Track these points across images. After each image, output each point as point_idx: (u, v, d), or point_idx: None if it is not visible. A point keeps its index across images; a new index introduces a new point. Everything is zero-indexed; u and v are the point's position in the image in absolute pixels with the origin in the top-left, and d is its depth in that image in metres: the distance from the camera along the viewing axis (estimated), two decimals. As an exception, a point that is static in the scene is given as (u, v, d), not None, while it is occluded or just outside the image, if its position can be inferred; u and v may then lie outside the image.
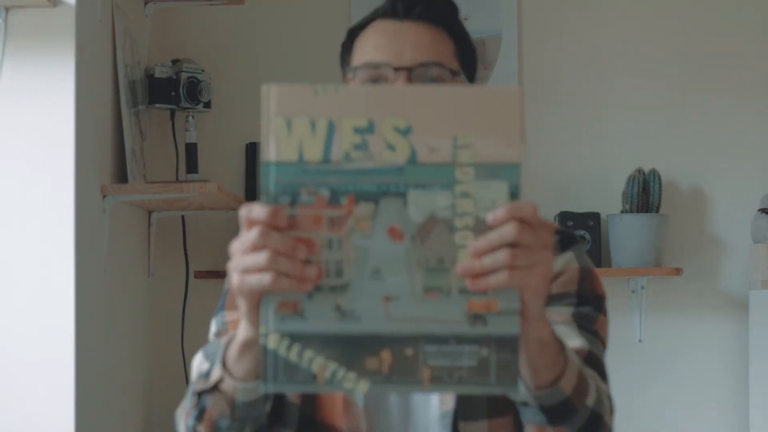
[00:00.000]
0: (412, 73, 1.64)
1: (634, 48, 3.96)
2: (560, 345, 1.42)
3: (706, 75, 3.94)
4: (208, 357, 1.65)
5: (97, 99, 3.11)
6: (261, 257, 1.22)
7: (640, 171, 3.79)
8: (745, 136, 3.93)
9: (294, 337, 1.22)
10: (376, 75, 1.65)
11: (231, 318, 1.74)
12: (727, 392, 3.88)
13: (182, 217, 3.83)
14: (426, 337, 1.23)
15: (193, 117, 3.74)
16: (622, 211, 3.81)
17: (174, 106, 3.68)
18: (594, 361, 1.60)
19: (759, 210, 3.80)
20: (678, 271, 3.80)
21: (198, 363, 1.69)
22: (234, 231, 3.87)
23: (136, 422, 3.58)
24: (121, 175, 3.29)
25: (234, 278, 1.26)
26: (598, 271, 3.86)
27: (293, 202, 1.22)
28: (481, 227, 1.23)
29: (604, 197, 3.89)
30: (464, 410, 1.62)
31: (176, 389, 3.77)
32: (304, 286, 1.22)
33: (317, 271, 1.22)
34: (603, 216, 3.87)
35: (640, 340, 3.87)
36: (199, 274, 3.81)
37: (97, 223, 3.09)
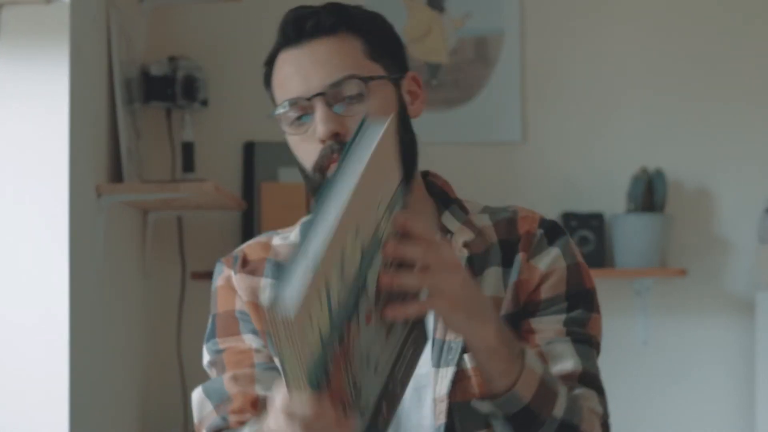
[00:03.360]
0: (326, 96, 1.63)
1: (638, 46, 3.94)
2: (517, 351, 1.47)
3: (712, 74, 3.93)
4: (210, 396, 1.66)
5: (92, 97, 3.09)
6: None
7: (644, 170, 3.77)
8: (752, 136, 3.91)
9: None
10: (298, 110, 1.65)
11: (224, 345, 1.73)
12: (733, 395, 3.86)
13: (178, 217, 3.81)
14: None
15: (189, 115, 3.73)
16: (627, 211, 3.79)
17: (170, 104, 3.67)
18: (589, 380, 1.63)
19: (766, 210, 3.78)
20: (683, 272, 3.78)
21: (199, 401, 1.69)
22: (231, 231, 3.84)
23: (131, 424, 3.56)
24: (116, 175, 3.27)
25: None
26: (603, 272, 3.87)
27: (327, 375, 1.29)
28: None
29: (608, 197, 3.87)
30: (462, 423, 1.62)
31: (172, 391, 3.74)
32: None
33: (353, 420, 1.33)
34: (607, 216, 3.86)
35: (644, 342, 3.85)
36: (196, 275, 3.79)
37: (92, 223, 3.07)
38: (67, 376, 2.81)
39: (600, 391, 1.65)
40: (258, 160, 3.82)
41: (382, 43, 1.70)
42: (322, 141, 1.63)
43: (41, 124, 2.83)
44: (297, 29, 1.65)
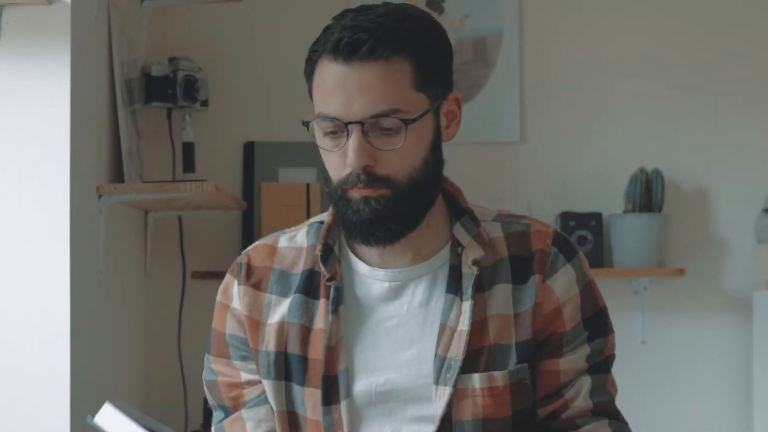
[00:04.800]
0: (364, 127, 1.63)
1: (636, 47, 3.94)
2: None
3: (709, 74, 3.92)
4: None
5: (93, 98, 3.09)
6: None
7: (642, 170, 3.77)
8: (749, 136, 3.91)
9: None
10: (333, 127, 1.65)
11: (217, 367, 1.79)
12: (730, 394, 3.86)
13: (179, 217, 3.81)
14: None
15: (190, 116, 3.73)
16: (625, 211, 3.80)
17: (171, 105, 3.67)
18: (601, 409, 1.72)
19: (763, 210, 3.78)
20: (681, 272, 3.78)
21: None
22: (231, 231, 3.85)
23: (132, 424, 3.55)
24: (117, 175, 3.28)
25: None
26: (601, 272, 3.88)
27: None
28: None
29: (607, 197, 3.87)
30: None
31: (173, 390, 3.75)
32: None
33: None
34: (605, 216, 3.86)
35: (642, 342, 3.85)
36: (196, 275, 3.79)
37: (93, 223, 3.07)
38: (68, 375, 2.81)
39: (612, 414, 1.74)
40: (258, 160, 3.83)
41: (433, 66, 1.68)
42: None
43: (42, 125, 2.83)
44: (350, 50, 1.62)
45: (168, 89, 3.64)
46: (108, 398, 3.23)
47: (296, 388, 1.70)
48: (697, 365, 3.88)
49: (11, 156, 2.82)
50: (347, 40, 1.63)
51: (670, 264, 3.87)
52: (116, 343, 3.36)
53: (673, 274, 3.78)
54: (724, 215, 3.90)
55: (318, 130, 1.67)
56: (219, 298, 1.80)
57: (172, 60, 3.68)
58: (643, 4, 3.96)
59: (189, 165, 3.71)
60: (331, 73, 1.64)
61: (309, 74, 1.69)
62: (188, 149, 3.73)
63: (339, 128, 1.64)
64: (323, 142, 1.67)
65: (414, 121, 1.64)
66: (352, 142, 1.63)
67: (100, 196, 3.11)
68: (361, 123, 1.62)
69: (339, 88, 1.63)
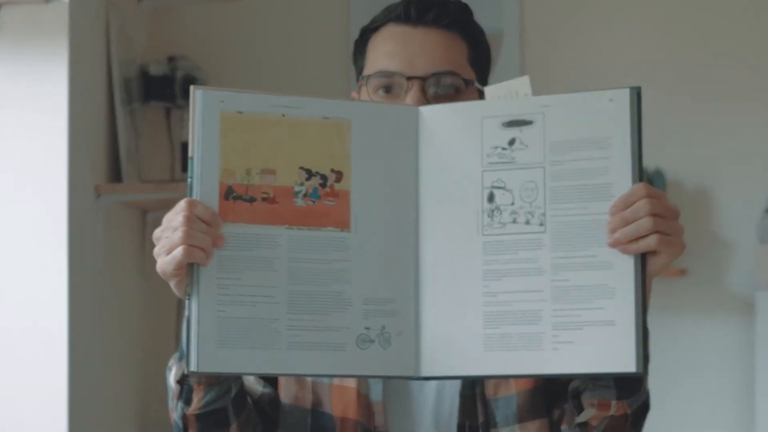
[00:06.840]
0: (425, 83, 1.67)
1: (637, 47, 3.94)
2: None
3: (711, 74, 3.92)
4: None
5: (91, 97, 3.09)
6: None
7: (644, 170, 3.76)
8: (751, 136, 3.91)
9: None
10: (389, 83, 1.69)
11: None
12: (733, 394, 3.86)
13: (178, 217, 3.80)
14: None
15: (188, 115, 3.72)
16: (626, 211, 3.79)
17: (170, 104, 3.68)
18: None
19: (766, 210, 3.79)
20: (683, 272, 3.78)
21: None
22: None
23: (130, 424, 3.56)
24: (115, 175, 3.27)
25: None
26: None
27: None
28: None
29: (607, 197, 3.86)
30: (492, 417, 1.66)
31: (172, 392, 3.74)
32: None
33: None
34: (606, 216, 3.85)
35: (644, 342, 3.84)
36: (195, 275, 3.77)
37: (92, 223, 3.07)
38: (65, 376, 2.82)
39: None
40: (257, 160, 3.83)
41: (481, 59, 1.76)
42: None
43: (40, 124, 2.83)
44: (420, 12, 1.69)
45: (167, 88, 3.65)
46: (105, 399, 3.22)
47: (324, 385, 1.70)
48: (699, 366, 3.88)
49: (9, 155, 2.83)
50: (416, 5, 1.69)
51: (671, 264, 3.86)
52: (114, 343, 3.35)
53: (675, 275, 3.78)
54: (726, 215, 3.90)
55: (370, 88, 1.70)
56: None
57: (170, 59, 3.69)
58: (643, 4, 3.96)
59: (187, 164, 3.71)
60: (392, 35, 1.70)
61: (362, 45, 1.74)
62: (187, 148, 3.72)
63: (397, 84, 1.68)
64: (374, 98, 1.70)
65: (472, 84, 1.70)
66: (412, 95, 1.66)
67: (98, 196, 3.10)
68: (422, 78, 1.66)
69: (402, 48, 1.68)
